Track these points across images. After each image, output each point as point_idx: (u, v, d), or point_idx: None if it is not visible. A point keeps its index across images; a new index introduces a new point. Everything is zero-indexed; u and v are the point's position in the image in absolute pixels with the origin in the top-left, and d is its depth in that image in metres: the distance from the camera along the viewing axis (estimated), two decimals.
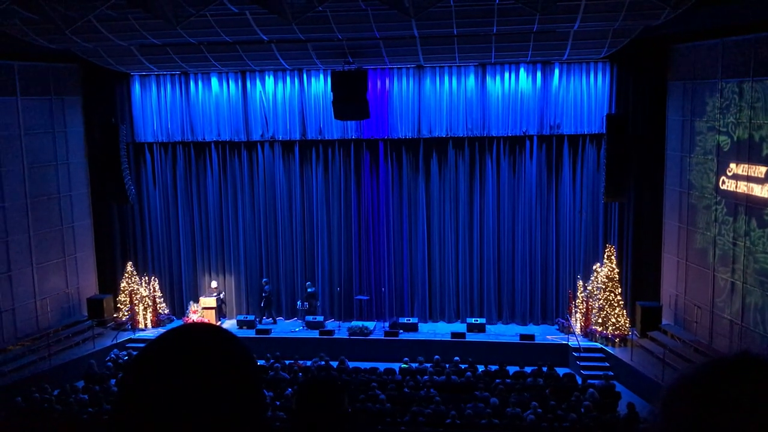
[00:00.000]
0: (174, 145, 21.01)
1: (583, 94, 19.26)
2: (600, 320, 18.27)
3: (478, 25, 16.40)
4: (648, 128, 18.51)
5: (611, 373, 16.94)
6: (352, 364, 16.99)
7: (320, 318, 20.11)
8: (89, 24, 15.29)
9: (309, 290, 20.30)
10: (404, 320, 19.85)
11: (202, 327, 1.41)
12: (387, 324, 19.77)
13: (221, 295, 20.74)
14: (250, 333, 19.68)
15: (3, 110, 18.06)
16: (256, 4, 13.68)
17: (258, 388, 1.38)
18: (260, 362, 16.90)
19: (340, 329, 19.70)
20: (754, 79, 15.11)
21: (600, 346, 18.10)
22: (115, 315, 20.32)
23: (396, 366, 16.65)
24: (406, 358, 16.93)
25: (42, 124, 19.16)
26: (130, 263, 20.50)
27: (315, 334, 19.49)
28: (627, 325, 18.24)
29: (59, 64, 19.37)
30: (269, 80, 20.24)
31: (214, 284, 20.80)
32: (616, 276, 18.36)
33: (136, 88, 20.75)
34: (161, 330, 20.07)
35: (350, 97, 17.89)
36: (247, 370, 1.37)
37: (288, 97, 20.26)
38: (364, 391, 14.22)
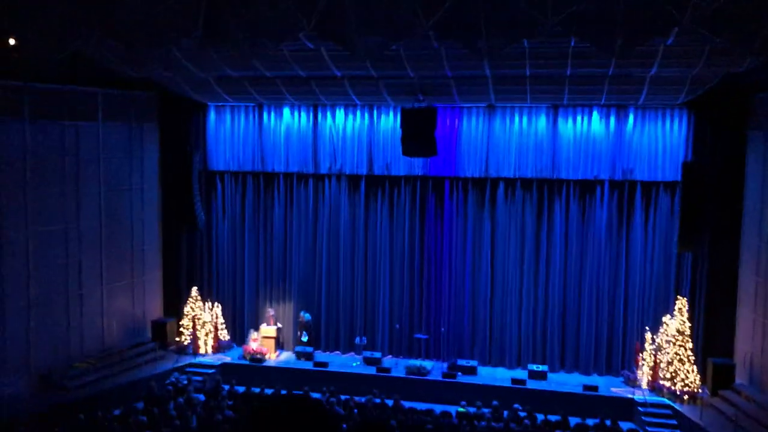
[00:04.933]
0: (244, 175, 21.44)
1: (657, 140, 18.77)
2: (668, 375, 17.52)
3: (552, 67, 16.26)
4: (725, 178, 17.87)
5: None
6: (407, 404, 16.73)
7: (378, 354, 19.96)
8: (170, 54, 15.85)
9: (306, 318, 20.30)
10: (463, 362, 19.48)
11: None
12: (445, 365, 19.44)
13: (279, 325, 20.85)
14: (308, 365, 19.68)
15: (86, 135, 18.80)
16: (332, 41, 13.91)
17: None
18: (316, 395, 16.81)
19: (398, 367, 19.48)
20: None
21: (667, 402, 17.32)
22: (177, 339, 20.64)
23: (453, 409, 16.30)
24: (464, 402, 16.57)
25: (120, 150, 19.84)
26: (195, 288, 20.85)
27: (372, 370, 19.33)
28: (697, 382, 17.42)
29: (139, 92, 20.09)
30: (339, 114, 20.50)
31: (271, 312, 20.93)
32: (687, 330, 17.61)
33: (211, 117, 21.33)
34: (221, 356, 20.30)
35: (419, 135, 17.93)
36: None
37: (357, 131, 20.46)
38: None
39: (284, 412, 3.39)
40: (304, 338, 20.42)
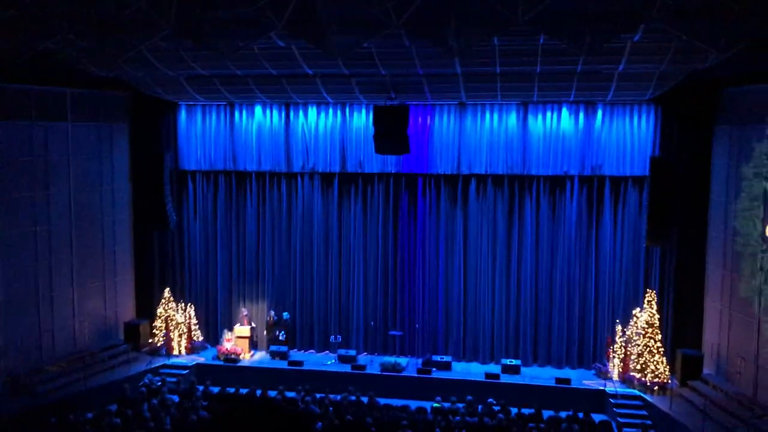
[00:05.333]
0: (216, 174, 21.34)
1: (626, 135, 19.07)
2: (639, 367, 17.82)
3: (522, 64, 16.42)
4: (692, 172, 18.21)
5: (649, 422, 16.48)
6: (383, 401, 16.79)
7: (353, 352, 20.03)
8: (140, 54, 15.72)
9: (285, 317, 20.43)
10: (438, 358, 19.62)
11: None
12: (420, 361, 19.56)
13: (253, 324, 20.80)
14: (283, 364, 19.66)
15: (54, 135, 18.57)
16: (303, 39, 13.91)
17: None
18: (291, 394, 16.82)
19: (373, 364, 19.55)
20: None
21: (638, 393, 17.63)
22: (150, 340, 20.47)
23: (428, 405, 16.41)
24: (439, 398, 16.68)
25: (90, 150, 19.63)
26: (167, 289, 20.71)
27: (347, 368, 19.38)
28: (667, 373, 17.75)
29: (109, 91, 19.89)
30: (312, 113, 20.50)
31: (244, 311, 20.87)
32: (657, 322, 17.93)
33: (182, 116, 21.19)
34: (195, 357, 20.19)
35: (391, 132, 17.99)
36: None
37: (330, 130, 20.48)
38: (395, 430, 14.01)
39: (254, 414, 3.44)
40: (282, 336, 20.39)
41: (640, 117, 18.96)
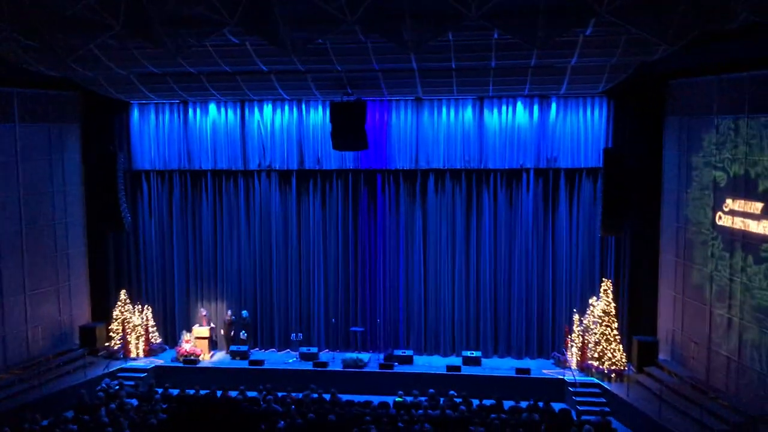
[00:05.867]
0: (171, 174, 21.03)
1: (580, 128, 19.36)
2: (596, 355, 18.15)
3: (477, 59, 16.53)
4: (645, 163, 18.58)
5: (607, 409, 16.80)
6: (345, 397, 16.78)
7: (314, 349, 19.99)
8: (89, 53, 15.36)
9: (244, 315, 20.38)
10: (399, 352, 19.69)
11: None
12: (382, 356, 19.60)
13: (212, 325, 20.60)
14: (244, 364, 19.51)
15: (2, 137, 18.07)
16: (256, 36, 13.76)
17: None
18: (252, 394, 16.69)
19: (335, 361, 19.52)
20: (749, 116, 15.21)
21: (596, 381, 17.95)
22: (107, 344, 20.11)
23: (390, 400, 16.45)
24: (401, 392, 16.74)
25: (39, 151, 19.16)
26: (123, 291, 20.36)
27: (309, 365, 19.32)
28: (623, 360, 18.10)
29: (58, 91, 19.44)
30: (268, 110, 20.32)
31: (203, 311, 20.65)
32: (613, 310, 18.28)
33: (135, 116, 20.82)
34: (153, 359, 19.90)
35: (349, 128, 17.94)
36: None
37: (286, 126, 20.34)
38: (358, 425, 14.02)
39: (213, 414, 3.41)
40: (243, 335, 20.23)
41: (593, 109, 19.27)
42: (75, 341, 20.20)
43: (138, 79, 18.32)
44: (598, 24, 13.57)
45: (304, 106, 20.22)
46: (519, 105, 19.48)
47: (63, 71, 17.33)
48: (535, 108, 19.44)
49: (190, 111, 20.60)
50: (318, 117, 20.12)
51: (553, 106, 19.37)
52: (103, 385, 18.09)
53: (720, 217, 16.19)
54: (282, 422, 14.23)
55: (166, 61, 16.58)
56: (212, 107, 20.48)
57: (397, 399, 16.38)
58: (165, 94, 19.53)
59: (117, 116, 20.66)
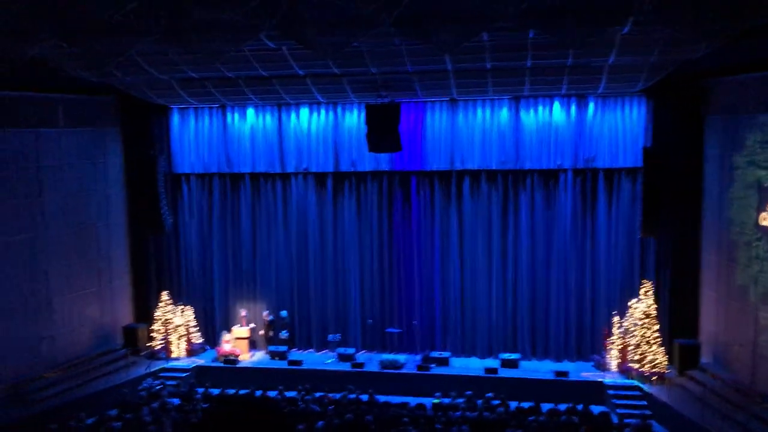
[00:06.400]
0: (210, 177, 21.34)
1: (618, 127, 19.11)
2: (636, 357, 17.89)
3: (512, 60, 16.44)
4: (685, 162, 18.25)
5: (648, 412, 16.54)
6: (382, 398, 16.84)
7: (351, 350, 20.08)
8: (130, 58, 15.69)
9: (284, 316, 20.51)
10: (436, 354, 19.66)
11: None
12: (418, 357, 19.61)
13: (252, 325, 20.84)
14: (282, 364, 19.70)
15: (46, 141, 18.54)
16: (292, 40, 13.91)
17: None
18: (291, 394, 16.85)
19: (371, 362, 19.59)
20: None
21: (636, 384, 17.70)
22: (149, 344, 20.49)
23: (427, 401, 16.46)
24: (438, 393, 16.74)
25: (83, 155, 19.61)
26: (165, 293, 20.71)
27: (346, 366, 19.42)
28: (665, 362, 17.82)
29: (100, 96, 19.87)
30: (304, 113, 20.50)
31: (243, 313, 20.91)
32: (653, 312, 18.00)
33: (175, 119, 21.18)
34: (194, 359, 20.21)
35: (383, 130, 18.01)
36: None
37: (322, 129, 20.48)
38: (395, 426, 14.06)
39: (240, 413, 3.49)
40: (285, 335, 20.39)
41: (631, 108, 19.00)
42: (118, 341, 20.62)
43: (178, 84, 18.65)
44: (636, 23, 13.39)
45: (339, 109, 20.34)
46: (556, 104, 19.31)
47: (104, 77, 17.73)
48: (573, 107, 19.25)
49: (228, 115, 20.88)
50: (353, 120, 20.22)
51: (591, 105, 19.16)
52: (146, 384, 18.47)
53: (764, 218, 15.82)
54: (320, 422, 14.33)
55: (205, 66, 16.86)
56: (250, 111, 20.74)
57: (435, 400, 16.39)
58: (204, 99, 19.84)
59: (157, 120, 21.04)
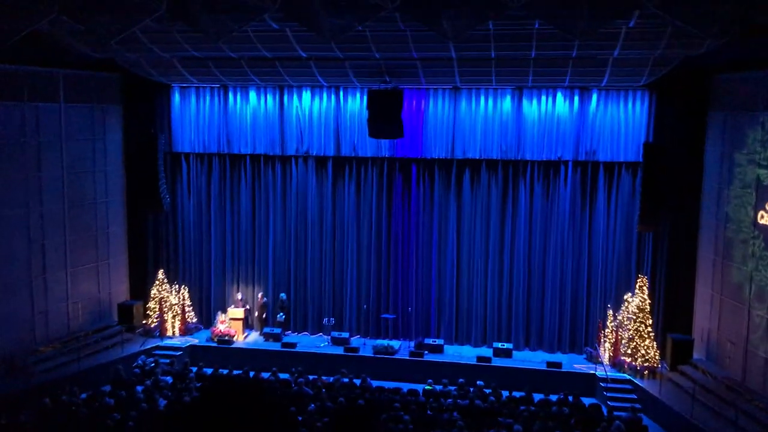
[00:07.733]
0: (210, 157, 21.29)
1: (620, 121, 19.07)
2: (629, 351, 17.97)
3: (517, 49, 16.39)
4: (685, 158, 18.25)
5: (639, 406, 16.59)
6: (375, 383, 16.92)
7: (346, 334, 20.13)
8: (133, 35, 15.62)
9: (282, 299, 20.57)
10: (430, 341, 19.74)
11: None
12: (412, 344, 19.68)
13: (247, 307, 20.90)
14: (276, 346, 19.76)
15: (46, 116, 18.47)
16: (297, 22, 13.84)
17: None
18: (284, 376, 16.93)
19: (365, 347, 19.66)
20: None
21: (628, 377, 17.79)
22: (144, 321, 20.54)
23: (420, 387, 16.54)
24: (431, 380, 16.81)
25: (83, 131, 19.55)
26: (161, 271, 20.74)
27: (340, 350, 19.49)
28: (657, 357, 17.90)
29: (102, 73, 19.78)
30: (306, 96, 20.43)
31: (239, 296, 20.95)
32: (648, 307, 18.05)
33: (176, 98, 21.10)
34: (188, 338, 20.26)
35: (385, 116, 17.96)
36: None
37: (324, 113, 20.42)
38: (387, 411, 14.14)
39: (233, 393, 3.50)
40: (281, 317, 20.47)
41: (634, 102, 18.95)
42: (113, 318, 20.66)
43: (180, 63, 18.57)
44: (642, 16, 13.35)
45: (341, 94, 20.27)
46: (559, 96, 19.25)
47: (106, 53, 17.65)
48: (575, 99, 19.20)
49: (230, 96, 20.80)
50: (355, 104, 20.16)
51: (594, 97, 19.11)
52: (140, 361, 18.53)
53: (762, 216, 15.84)
54: (312, 405, 14.41)
55: (207, 45, 16.78)
56: (252, 92, 20.66)
57: (427, 387, 16.46)
58: (206, 78, 19.75)
59: (158, 99, 20.96)
